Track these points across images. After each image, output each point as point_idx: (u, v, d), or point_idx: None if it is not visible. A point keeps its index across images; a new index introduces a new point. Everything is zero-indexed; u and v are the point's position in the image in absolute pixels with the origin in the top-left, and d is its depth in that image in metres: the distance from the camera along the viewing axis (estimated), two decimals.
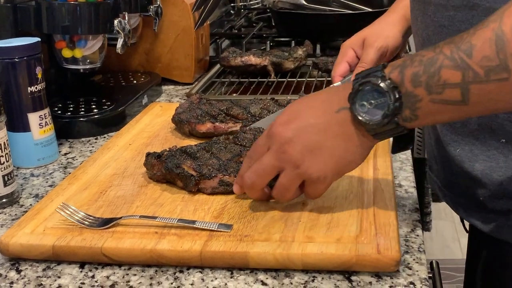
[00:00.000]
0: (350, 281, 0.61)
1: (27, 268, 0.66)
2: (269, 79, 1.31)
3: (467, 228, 0.82)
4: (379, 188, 0.75)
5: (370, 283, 0.61)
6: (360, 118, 0.61)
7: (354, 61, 0.96)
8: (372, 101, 0.60)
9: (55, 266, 0.66)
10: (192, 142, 0.88)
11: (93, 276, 0.64)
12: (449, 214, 2.81)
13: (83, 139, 1.04)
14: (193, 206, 0.73)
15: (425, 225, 1.69)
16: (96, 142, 1.03)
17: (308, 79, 1.30)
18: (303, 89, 1.23)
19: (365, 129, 0.62)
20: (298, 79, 1.30)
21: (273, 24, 1.76)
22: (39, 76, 0.91)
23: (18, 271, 0.65)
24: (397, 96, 0.58)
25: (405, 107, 0.58)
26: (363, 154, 0.65)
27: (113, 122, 1.08)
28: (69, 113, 1.07)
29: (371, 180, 0.77)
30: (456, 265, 2.32)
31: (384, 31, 0.94)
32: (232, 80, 1.34)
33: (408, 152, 0.92)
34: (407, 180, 0.83)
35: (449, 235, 2.66)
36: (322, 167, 0.64)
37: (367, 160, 0.83)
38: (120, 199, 0.76)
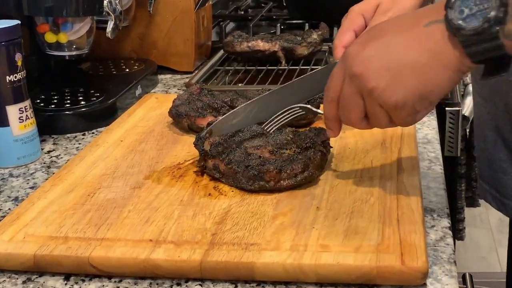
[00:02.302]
0: None
1: (5, 281, 0.66)
2: (280, 67, 1.31)
3: None
4: (404, 190, 0.75)
5: None
6: (455, 22, 0.60)
7: (362, 31, 0.95)
8: (474, 7, 0.59)
9: (36, 278, 0.66)
10: (192, 138, 0.89)
11: None
12: (485, 221, 2.80)
13: (68, 135, 1.05)
14: (192, 211, 0.73)
15: (458, 233, 1.68)
16: (83, 138, 1.04)
17: (323, 67, 1.30)
18: None
19: (458, 39, 0.60)
20: (313, 67, 1.30)
21: (284, 4, 1.76)
22: (19, 63, 0.91)
23: None
24: (504, 1, 0.57)
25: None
26: (451, 77, 0.63)
27: (103, 116, 1.08)
28: (53, 106, 1.08)
29: (395, 181, 0.77)
30: (493, 279, 2.32)
31: (401, 1, 0.93)
32: (237, 68, 1.34)
33: (438, 149, 0.92)
34: (436, 181, 0.83)
35: (485, 245, 2.65)
36: (399, 90, 0.63)
37: (390, 159, 0.83)
38: (110, 202, 0.76)
